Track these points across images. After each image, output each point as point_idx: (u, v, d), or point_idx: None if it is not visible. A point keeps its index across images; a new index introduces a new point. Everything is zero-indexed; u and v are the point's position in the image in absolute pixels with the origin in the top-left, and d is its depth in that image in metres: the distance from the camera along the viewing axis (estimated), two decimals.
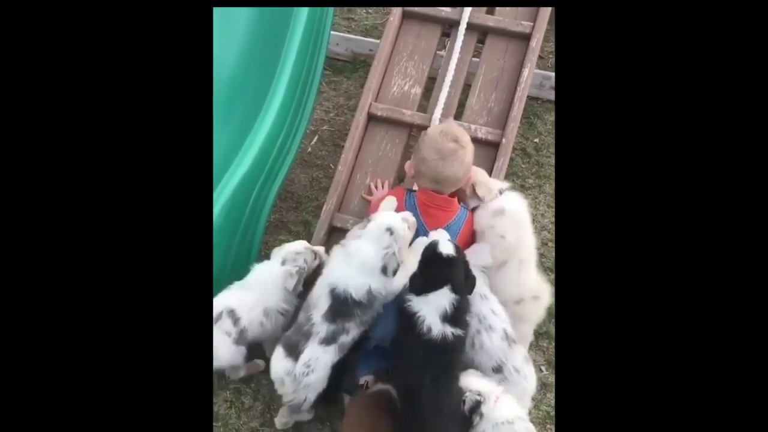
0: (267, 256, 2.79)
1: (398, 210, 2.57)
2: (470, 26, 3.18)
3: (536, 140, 3.76)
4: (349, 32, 4.34)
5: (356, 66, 4.16)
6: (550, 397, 2.88)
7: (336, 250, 2.53)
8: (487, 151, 3.01)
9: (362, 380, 2.54)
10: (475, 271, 2.46)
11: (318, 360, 2.41)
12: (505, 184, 2.76)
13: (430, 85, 3.26)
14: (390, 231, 2.40)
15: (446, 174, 2.52)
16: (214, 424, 2.67)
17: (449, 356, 2.33)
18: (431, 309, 2.31)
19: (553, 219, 3.39)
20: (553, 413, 2.83)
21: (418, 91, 3.17)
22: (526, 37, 3.15)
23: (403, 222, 2.43)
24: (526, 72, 3.07)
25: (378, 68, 3.15)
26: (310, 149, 3.79)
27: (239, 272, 2.78)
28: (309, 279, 2.67)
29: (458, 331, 2.32)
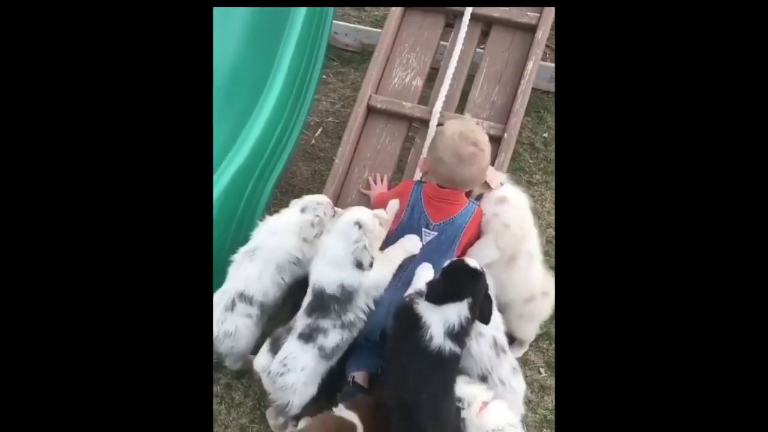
0: None
1: (402, 204, 2.56)
2: (474, 17, 3.10)
3: (545, 135, 3.65)
4: (359, 23, 4.27)
5: (365, 57, 4.07)
6: (548, 400, 2.80)
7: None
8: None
9: (350, 375, 2.49)
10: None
11: (295, 359, 2.35)
12: (505, 178, 2.70)
13: (434, 76, 3.18)
14: (358, 225, 2.36)
15: (463, 177, 2.48)
16: None
17: (447, 372, 2.27)
18: (439, 319, 2.25)
19: None
20: (550, 417, 2.75)
21: (419, 83, 3.10)
22: (531, 29, 3.05)
23: (374, 218, 2.39)
24: (530, 65, 2.97)
25: (378, 59, 3.08)
26: (313, 141, 3.74)
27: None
28: None
29: (456, 349, 2.26)
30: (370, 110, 3.05)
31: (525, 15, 3.07)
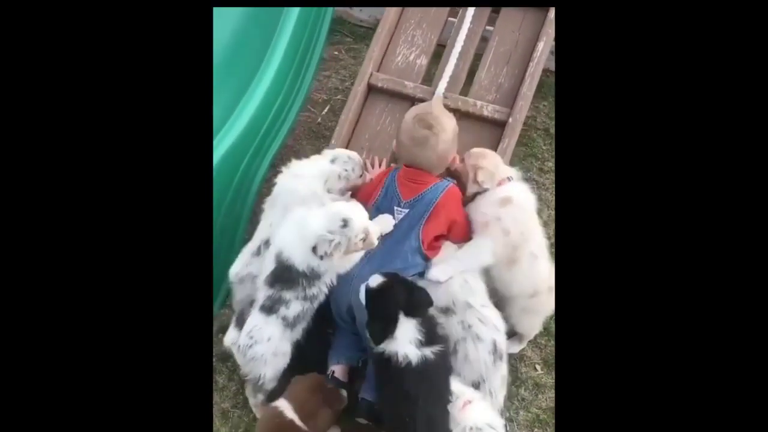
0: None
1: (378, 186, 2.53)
2: None
3: None
4: None
5: None
6: (542, 398, 2.69)
7: (295, 210, 2.41)
8: (493, 130, 2.80)
9: (330, 369, 2.44)
10: (465, 276, 2.36)
11: (261, 330, 2.33)
12: (514, 172, 2.56)
13: (440, 54, 3.02)
14: (344, 222, 2.25)
15: (420, 160, 2.48)
16: None
17: (437, 378, 2.21)
18: (402, 343, 2.17)
19: None
20: (543, 416, 2.65)
21: (424, 61, 2.96)
22: (544, 7, 2.87)
23: (363, 231, 2.27)
24: (541, 45, 2.81)
25: (382, 35, 2.95)
26: (320, 120, 3.64)
27: (224, 245, 2.69)
28: None
29: (437, 348, 2.19)
30: (371, 89, 2.93)
31: None
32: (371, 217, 2.39)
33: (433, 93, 2.82)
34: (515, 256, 2.43)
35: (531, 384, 2.72)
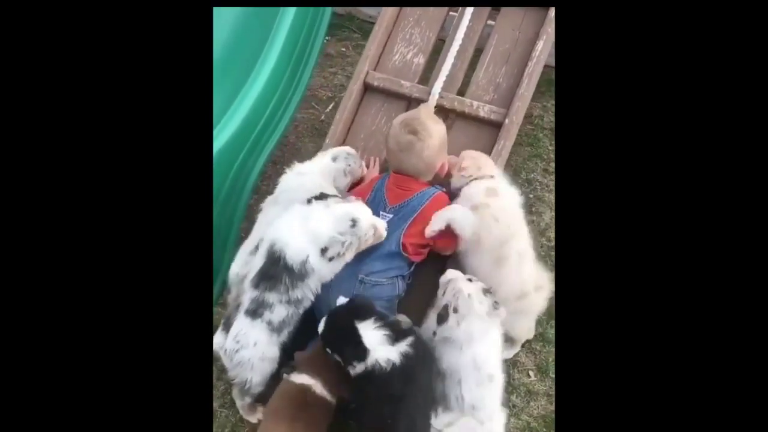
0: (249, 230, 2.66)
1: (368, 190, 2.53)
2: None
3: None
4: None
5: None
6: (534, 406, 2.64)
7: (295, 206, 2.39)
8: (489, 131, 2.74)
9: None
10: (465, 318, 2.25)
11: (246, 335, 2.30)
12: (498, 174, 2.53)
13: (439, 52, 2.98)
14: (353, 222, 2.26)
15: (405, 166, 2.47)
16: None
17: (421, 372, 2.18)
18: (377, 349, 2.14)
19: None
20: (533, 424, 2.60)
21: (421, 60, 2.91)
22: (545, 6, 2.80)
23: (371, 227, 2.28)
24: (540, 45, 2.73)
25: (378, 33, 2.90)
26: (323, 117, 3.61)
27: (217, 243, 2.69)
28: None
29: (408, 346, 2.15)
30: (367, 88, 2.89)
31: None
32: None
33: (429, 92, 2.77)
34: (504, 254, 2.40)
35: (523, 391, 2.67)
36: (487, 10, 2.90)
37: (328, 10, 3.10)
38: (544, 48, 2.74)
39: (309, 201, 2.38)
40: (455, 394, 2.23)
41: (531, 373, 2.72)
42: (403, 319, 2.29)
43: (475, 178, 2.47)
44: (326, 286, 2.33)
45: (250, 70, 2.79)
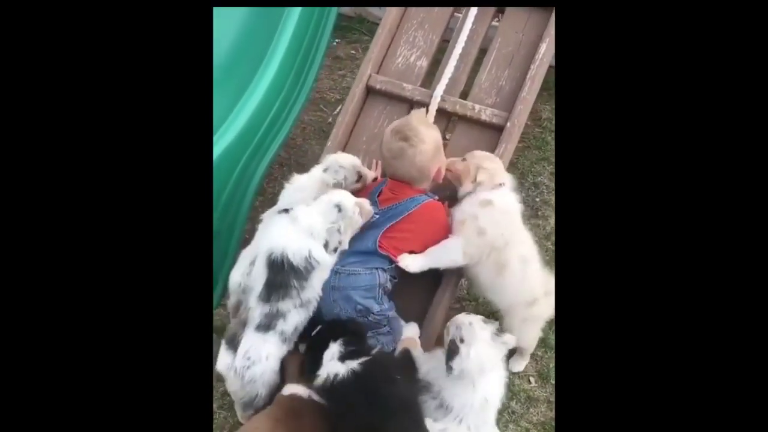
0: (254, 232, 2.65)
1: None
2: None
3: None
4: None
5: None
6: (533, 412, 2.62)
7: (276, 218, 2.42)
8: (491, 135, 2.71)
9: None
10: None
11: (258, 350, 2.28)
12: (508, 178, 2.49)
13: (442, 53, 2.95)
14: (338, 208, 2.30)
15: (399, 172, 2.47)
16: None
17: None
18: (328, 364, 2.20)
19: None
20: (533, 431, 2.56)
21: (424, 63, 2.88)
22: (549, 8, 2.76)
23: (355, 206, 2.31)
24: (543, 47, 2.70)
25: (381, 36, 2.88)
26: (330, 119, 3.61)
27: (219, 246, 2.70)
28: None
29: (359, 364, 2.16)
30: (369, 91, 2.88)
31: None
32: None
33: (431, 95, 2.75)
34: (502, 261, 2.36)
35: (523, 397, 2.65)
36: (490, 12, 2.88)
37: (334, 11, 3.09)
38: (548, 50, 2.70)
39: (280, 212, 2.40)
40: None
41: (532, 379, 2.70)
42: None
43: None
44: (326, 286, 2.34)
45: (254, 71, 2.79)
